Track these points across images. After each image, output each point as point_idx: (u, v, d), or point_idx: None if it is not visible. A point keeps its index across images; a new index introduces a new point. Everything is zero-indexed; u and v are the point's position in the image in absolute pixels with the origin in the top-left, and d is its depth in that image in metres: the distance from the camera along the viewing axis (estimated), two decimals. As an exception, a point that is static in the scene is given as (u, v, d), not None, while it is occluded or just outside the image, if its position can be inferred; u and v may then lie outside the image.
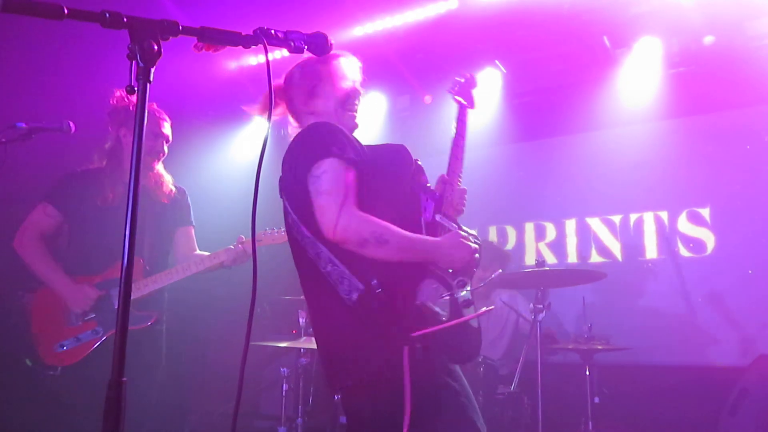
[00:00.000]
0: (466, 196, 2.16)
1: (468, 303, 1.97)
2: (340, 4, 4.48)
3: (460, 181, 2.18)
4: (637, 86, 4.56)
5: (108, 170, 3.02)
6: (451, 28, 4.48)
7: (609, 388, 3.69)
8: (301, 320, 4.03)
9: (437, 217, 2.04)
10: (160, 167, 3.16)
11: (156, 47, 1.32)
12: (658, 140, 4.54)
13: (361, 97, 2.21)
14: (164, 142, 3.10)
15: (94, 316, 2.87)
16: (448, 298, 1.93)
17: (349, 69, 2.20)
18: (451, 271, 1.98)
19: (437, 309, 1.88)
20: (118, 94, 3.02)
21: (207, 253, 3.14)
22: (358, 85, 2.20)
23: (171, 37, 1.38)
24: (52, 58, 4.00)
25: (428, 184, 2.11)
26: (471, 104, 2.37)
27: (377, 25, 4.71)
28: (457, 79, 2.41)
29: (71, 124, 2.85)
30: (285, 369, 3.89)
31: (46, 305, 2.93)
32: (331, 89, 2.15)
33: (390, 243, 1.86)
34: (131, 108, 2.97)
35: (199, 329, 4.88)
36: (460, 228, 2.05)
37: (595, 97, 4.69)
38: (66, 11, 1.23)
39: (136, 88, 1.31)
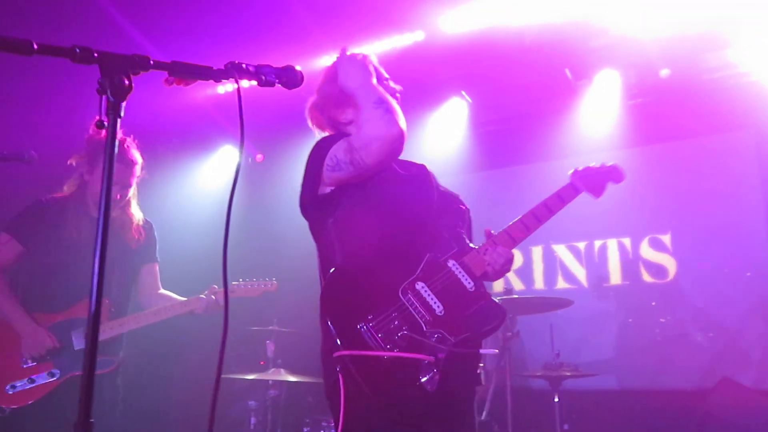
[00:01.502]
0: (509, 266, 1.99)
1: (433, 350, 1.76)
2: (305, 36, 4.52)
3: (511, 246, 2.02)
4: (597, 116, 4.70)
5: (72, 203, 2.92)
6: (417, 60, 4.56)
7: (578, 414, 3.73)
8: (269, 351, 3.98)
9: (449, 263, 1.88)
10: (133, 207, 3.06)
11: (127, 82, 1.31)
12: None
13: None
14: (122, 188, 2.93)
15: (50, 357, 2.72)
16: (404, 334, 1.76)
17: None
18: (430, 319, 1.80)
19: (379, 339, 1.75)
20: (93, 129, 2.92)
21: (173, 295, 3.06)
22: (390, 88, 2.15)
23: (142, 72, 1.38)
24: (18, 90, 3.92)
25: (461, 230, 2.01)
26: (597, 194, 2.32)
27: (345, 56, 4.76)
28: (592, 165, 2.34)
29: (34, 153, 2.78)
30: (253, 402, 3.83)
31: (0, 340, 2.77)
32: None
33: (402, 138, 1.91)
34: (97, 144, 2.87)
35: (163, 362, 4.77)
36: (477, 286, 1.87)
37: (558, 126, 4.82)
38: (35, 47, 1.22)
39: (106, 123, 1.30)
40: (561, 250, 4.84)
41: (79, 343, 2.75)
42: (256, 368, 3.90)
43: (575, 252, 4.81)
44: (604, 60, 4.58)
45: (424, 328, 1.78)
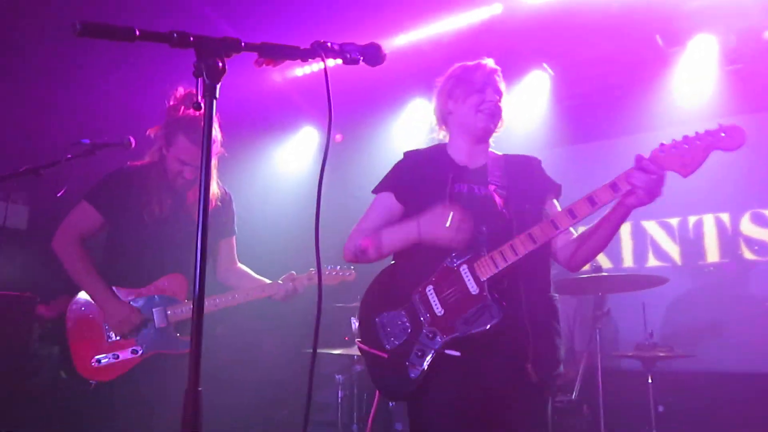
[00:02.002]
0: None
1: (420, 352, 1.99)
2: (382, 14, 4.50)
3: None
4: (692, 85, 4.42)
5: (153, 174, 2.86)
6: (496, 33, 4.44)
7: (673, 396, 3.57)
8: (353, 327, 4.05)
9: (462, 268, 1.99)
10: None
11: (221, 64, 1.35)
12: (717, 139, 4.38)
13: (495, 99, 2.21)
14: (195, 169, 2.85)
15: (133, 334, 2.71)
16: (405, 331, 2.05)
17: (478, 73, 2.25)
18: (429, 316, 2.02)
19: (381, 335, 2.07)
20: (179, 93, 2.85)
21: (249, 271, 3.04)
22: (490, 89, 2.22)
23: (234, 54, 1.42)
24: (113, 76, 4.14)
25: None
26: (689, 170, 1.86)
27: (421, 33, 4.71)
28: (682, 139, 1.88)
29: (132, 139, 2.91)
30: (340, 376, 3.92)
31: (83, 315, 2.75)
32: (462, 92, 2.23)
33: (368, 251, 2.15)
34: (180, 119, 2.81)
35: (252, 337, 4.95)
36: (481, 289, 1.96)
37: (648, 97, 4.57)
38: (137, 33, 1.27)
39: (202, 105, 1.35)
40: (651, 227, 4.62)
41: (160, 321, 2.72)
42: (341, 344, 3.98)
43: (667, 228, 4.58)
44: (699, 24, 4.29)
45: (424, 328, 2.00)
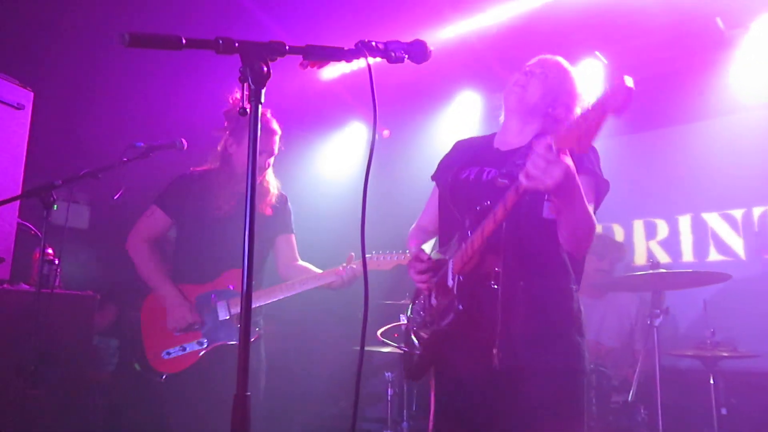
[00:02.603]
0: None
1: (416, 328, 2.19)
2: (428, 6, 4.45)
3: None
4: (755, 69, 4.19)
5: (223, 178, 3.01)
6: (545, 21, 4.33)
7: (737, 398, 3.41)
8: (402, 325, 4.04)
9: (450, 261, 2.00)
10: (269, 176, 3.15)
11: (265, 69, 1.36)
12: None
13: (517, 77, 2.21)
14: (267, 156, 3.07)
15: (198, 327, 2.89)
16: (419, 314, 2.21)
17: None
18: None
19: (406, 318, 2.31)
20: (236, 96, 3.00)
21: (311, 267, 3.12)
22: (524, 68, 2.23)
23: (278, 58, 1.42)
24: (161, 80, 4.24)
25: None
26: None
27: (469, 24, 4.63)
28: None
29: (184, 141, 3.01)
30: (389, 373, 3.92)
31: (155, 311, 2.96)
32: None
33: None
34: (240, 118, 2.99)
35: (301, 332, 5.01)
36: (455, 283, 1.97)
37: (708, 83, 4.37)
38: (184, 42, 1.29)
39: (248, 110, 1.35)
40: (713, 219, 4.43)
41: (223, 313, 2.89)
42: (391, 341, 3.98)
43: (730, 221, 4.37)
44: (763, 4, 4.06)
45: (427, 316, 2.11)
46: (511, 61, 4.93)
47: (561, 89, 2.18)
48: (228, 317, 2.91)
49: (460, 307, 1.89)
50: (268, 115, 3.10)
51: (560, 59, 2.27)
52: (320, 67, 1.57)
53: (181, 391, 2.83)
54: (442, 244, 2.20)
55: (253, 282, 3.08)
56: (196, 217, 3.00)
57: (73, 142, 4.22)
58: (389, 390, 3.88)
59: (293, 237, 3.24)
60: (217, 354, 2.87)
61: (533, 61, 2.25)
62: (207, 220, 2.98)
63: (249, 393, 1.21)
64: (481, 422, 1.99)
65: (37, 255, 3.26)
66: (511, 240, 1.90)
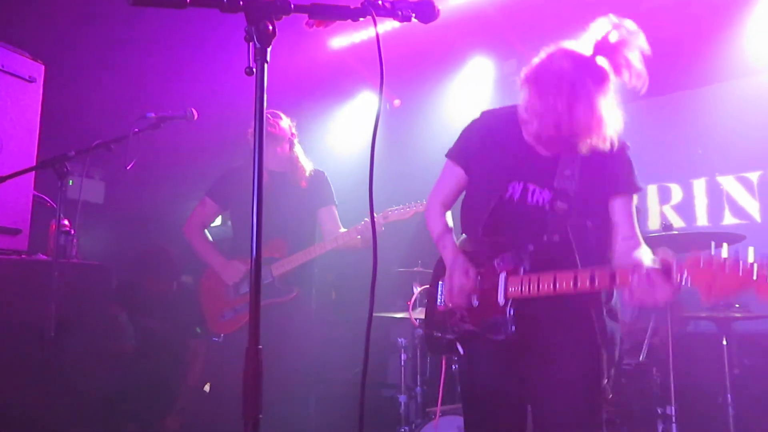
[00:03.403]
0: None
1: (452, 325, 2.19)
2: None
3: None
4: (769, 28, 4.09)
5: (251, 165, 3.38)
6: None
7: (750, 358, 3.42)
8: (415, 292, 4.07)
9: (502, 274, 1.98)
10: (298, 152, 3.56)
11: (271, 27, 1.35)
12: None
13: None
14: (275, 130, 3.44)
15: (247, 290, 3.11)
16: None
17: None
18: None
19: (437, 294, 2.28)
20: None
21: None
22: None
23: (284, 16, 1.41)
24: (167, 51, 4.24)
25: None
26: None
27: (480, -12, 4.55)
28: None
29: (194, 111, 3.04)
30: (402, 339, 3.96)
31: (211, 283, 3.51)
32: None
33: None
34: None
35: (318, 300, 5.07)
36: (506, 302, 1.96)
37: (723, 44, 4.27)
38: (188, 0, 1.29)
39: (254, 69, 1.36)
40: (728, 182, 4.38)
41: (267, 277, 3.31)
42: (404, 308, 4.01)
43: (746, 184, 4.32)
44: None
45: (465, 311, 2.08)
46: (522, 27, 4.87)
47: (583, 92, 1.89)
48: (271, 279, 3.37)
49: (513, 329, 1.93)
50: (271, 120, 3.45)
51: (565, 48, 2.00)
52: (326, 26, 1.56)
53: (235, 348, 3.03)
54: (467, 231, 2.23)
55: (295, 248, 3.41)
56: (239, 203, 3.52)
57: (86, 114, 4.25)
58: (402, 356, 3.93)
59: (334, 208, 3.62)
60: (264, 312, 3.01)
61: (543, 63, 1.98)
62: (248, 203, 3.21)
63: (260, 347, 1.25)
64: (509, 384, 2.07)
65: (54, 226, 3.32)
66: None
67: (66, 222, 3.20)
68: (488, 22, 4.72)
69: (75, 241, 3.28)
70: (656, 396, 3.26)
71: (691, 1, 4.27)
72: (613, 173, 1.99)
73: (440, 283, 2.24)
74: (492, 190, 2.07)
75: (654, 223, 4.62)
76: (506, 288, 1.95)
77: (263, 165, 3.27)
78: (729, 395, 3.21)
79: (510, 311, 1.94)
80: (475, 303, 2.06)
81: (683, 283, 1.58)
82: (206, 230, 3.73)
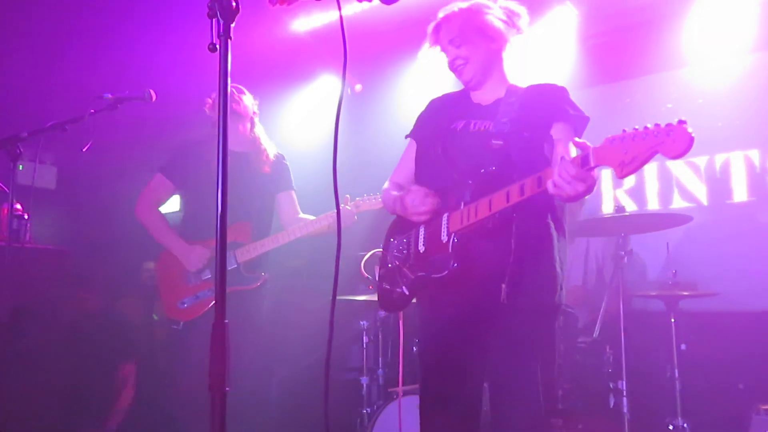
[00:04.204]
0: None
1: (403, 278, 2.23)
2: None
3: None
4: (725, 18, 4.24)
5: (213, 141, 3.12)
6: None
7: (696, 335, 3.58)
8: (376, 275, 4.10)
9: (444, 215, 2.07)
10: (260, 132, 3.39)
11: (234, 3, 1.35)
12: (747, 74, 4.24)
13: (454, 55, 2.26)
14: (239, 107, 3.27)
15: (210, 276, 3.12)
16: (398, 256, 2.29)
17: (434, 33, 2.34)
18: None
19: (388, 254, 2.36)
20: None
21: (311, 217, 3.34)
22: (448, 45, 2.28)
23: (247, -7, 1.41)
24: (127, 29, 4.13)
25: None
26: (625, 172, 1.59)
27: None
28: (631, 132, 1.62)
29: (152, 92, 2.98)
30: (364, 322, 4.00)
31: (169, 267, 3.26)
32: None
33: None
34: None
35: (276, 285, 5.05)
36: (450, 239, 2.03)
37: (677, 32, 4.40)
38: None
39: (218, 46, 1.35)
40: (677, 167, 4.55)
41: (231, 263, 3.15)
42: (366, 291, 4.05)
43: (694, 168, 4.49)
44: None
45: (411, 258, 2.16)
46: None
47: (488, 30, 2.21)
48: (235, 266, 3.19)
49: (455, 264, 1.98)
50: (235, 96, 3.29)
51: (458, 4, 2.28)
52: (289, 4, 1.57)
53: (196, 336, 3.02)
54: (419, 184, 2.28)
55: (259, 234, 3.24)
56: (197, 181, 3.23)
57: (40, 94, 4.11)
58: (364, 338, 3.97)
59: (293, 193, 3.49)
60: (228, 300, 2.95)
61: (442, 25, 2.27)
62: (208, 182, 3.03)
63: (227, 321, 1.24)
64: (467, 358, 2.10)
65: (6, 210, 3.22)
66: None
67: (19, 206, 3.12)
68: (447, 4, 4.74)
69: (28, 225, 3.19)
70: (609, 372, 3.39)
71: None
72: (552, 105, 2.14)
73: (392, 240, 2.31)
74: (438, 133, 2.24)
75: (608, 207, 4.77)
76: (448, 225, 2.03)
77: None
78: (676, 370, 3.37)
79: (451, 246, 2.00)
80: (422, 248, 2.12)
81: (597, 164, 1.64)
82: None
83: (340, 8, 1.52)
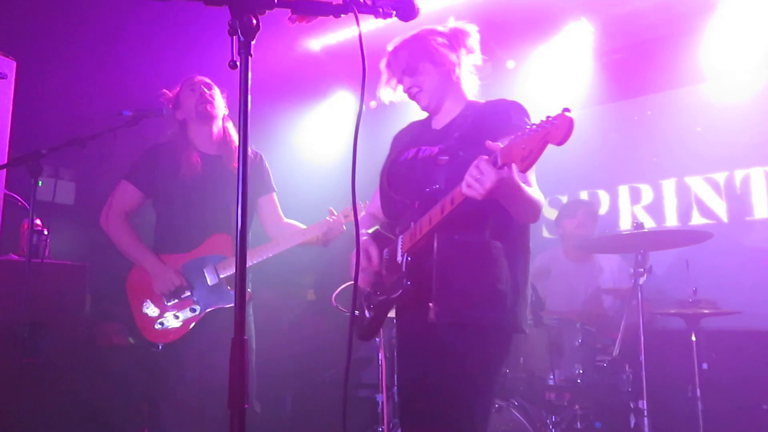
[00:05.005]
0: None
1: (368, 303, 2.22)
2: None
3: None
4: (743, 33, 4.21)
5: (183, 145, 3.02)
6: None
7: (718, 354, 3.51)
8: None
9: (400, 236, 2.11)
10: (232, 131, 3.09)
11: (255, 21, 1.36)
12: (767, 89, 4.20)
13: (408, 84, 2.25)
14: (213, 108, 3.01)
15: (190, 294, 2.89)
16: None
17: (387, 65, 2.33)
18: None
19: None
20: (163, 94, 3.09)
21: (298, 224, 3.13)
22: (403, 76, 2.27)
23: (267, 10, 1.42)
24: (147, 48, 4.19)
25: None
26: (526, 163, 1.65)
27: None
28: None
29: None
30: (379, 338, 3.96)
31: (142, 284, 2.92)
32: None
33: None
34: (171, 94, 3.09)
35: (289, 302, 5.04)
36: (404, 260, 2.06)
37: (695, 48, 4.39)
38: (171, -8, 1.29)
39: (238, 63, 1.36)
40: (696, 183, 4.50)
41: (212, 279, 2.90)
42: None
43: (713, 184, 4.44)
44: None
45: (378, 282, 2.17)
46: (496, 29, 4.92)
47: (435, 55, 2.19)
48: (217, 282, 2.91)
49: (408, 283, 2.02)
50: (198, 79, 3.07)
51: (403, 36, 2.27)
52: (308, 21, 1.58)
53: (178, 359, 2.85)
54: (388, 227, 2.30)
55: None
56: (169, 188, 2.98)
57: (59, 111, 4.18)
58: (380, 355, 3.93)
59: (275, 195, 3.21)
60: (210, 319, 2.88)
61: (391, 57, 2.27)
62: (178, 189, 2.97)
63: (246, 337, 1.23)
64: (420, 377, 2.08)
65: (26, 226, 3.26)
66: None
67: (38, 221, 3.15)
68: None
69: (48, 241, 3.21)
70: (629, 391, 3.33)
71: (664, 5, 4.37)
72: (501, 120, 2.08)
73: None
74: (384, 167, 2.31)
75: (625, 224, 4.73)
76: (402, 245, 2.08)
77: (196, 147, 3.13)
78: (698, 389, 3.30)
79: (404, 265, 2.03)
80: (384, 272, 2.15)
81: (504, 162, 1.69)
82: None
83: (358, 23, 1.52)
